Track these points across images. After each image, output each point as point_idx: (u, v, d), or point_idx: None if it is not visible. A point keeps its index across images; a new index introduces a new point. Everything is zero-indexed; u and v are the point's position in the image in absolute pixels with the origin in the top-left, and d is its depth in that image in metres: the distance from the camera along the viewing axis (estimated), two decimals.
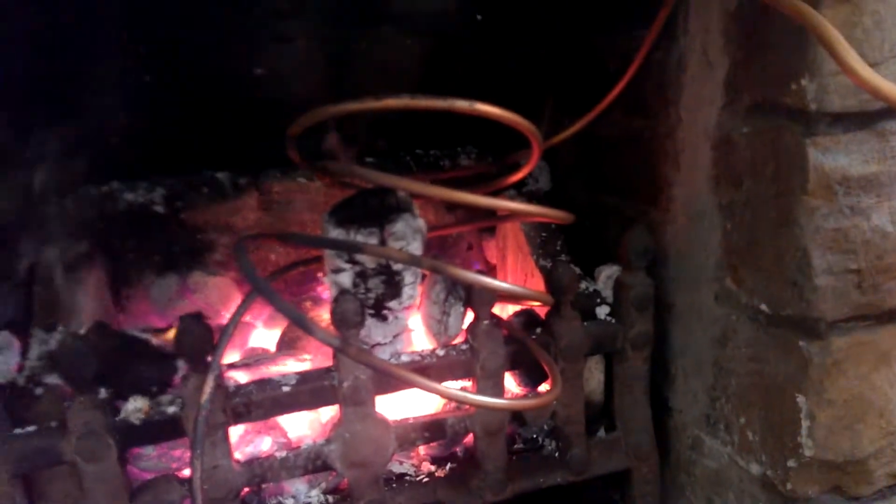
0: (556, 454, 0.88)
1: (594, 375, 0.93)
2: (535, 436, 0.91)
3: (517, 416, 0.86)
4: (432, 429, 0.83)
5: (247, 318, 1.02)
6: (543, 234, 1.03)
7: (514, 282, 1.07)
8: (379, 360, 0.73)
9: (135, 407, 0.72)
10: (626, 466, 0.90)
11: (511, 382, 0.94)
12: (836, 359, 0.72)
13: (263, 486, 0.80)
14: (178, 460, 0.79)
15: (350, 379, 0.76)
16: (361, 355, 0.69)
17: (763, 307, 0.77)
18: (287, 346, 0.91)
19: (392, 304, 0.82)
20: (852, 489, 0.77)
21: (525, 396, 0.91)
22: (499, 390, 0.83)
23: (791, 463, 0.76)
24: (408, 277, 0.81)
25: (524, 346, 0.85)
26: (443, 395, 0.72)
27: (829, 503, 0.77)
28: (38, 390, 0.74)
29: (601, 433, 0.92)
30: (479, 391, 0.82)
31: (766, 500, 0.80)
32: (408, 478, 0.84)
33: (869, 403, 0.74)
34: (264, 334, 1.03)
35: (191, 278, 0.95)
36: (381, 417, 0.79)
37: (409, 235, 0.79)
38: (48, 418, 0.72)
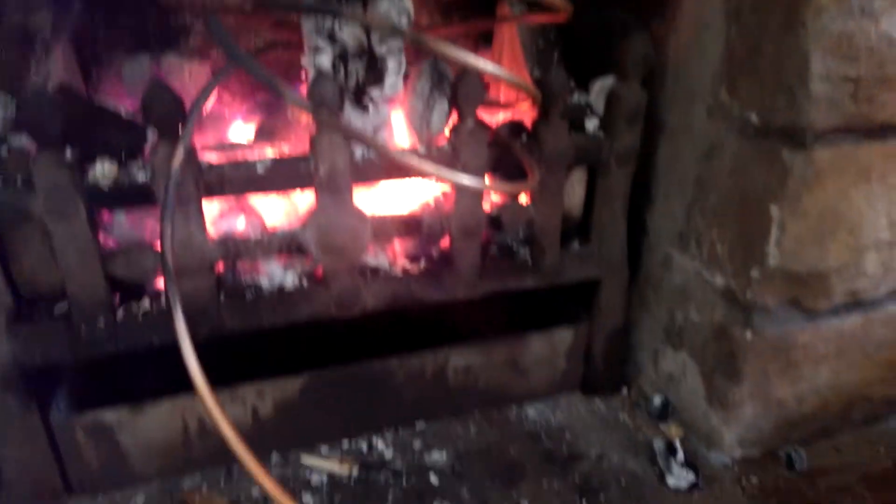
0: (530, 261, 0.90)
1: (576, 191, 0.93)
2: (510, 243, 0.91)
3: (494, 221, 0.87)
4: (408, 225, 0.83)
5: (225, 111, 0.99)
6: (540, 45, 0.98)
7: (507, 96, 1.03)
8: (351, 127, 0.71)
9: (102, 169, 0.70)
10: (597, 276, 0.93)
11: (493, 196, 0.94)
12: (817, 170, 0.72)
13: (238, 264, 0.81)
14: (153, 232, 0.79)
15: (326, 164, 0.75)
16: (334, 121, 0.66)
17: (753, 118, 0.75)
18: (265, 136, 0.89)
19: (373, 92, 0.79)
20: (810, 303, 0.79)
21: (504, 206, 0.91)
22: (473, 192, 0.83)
23: (755, 273, 0.77)
24: (391, 63, 0.77)
25: (507, 152, 0.83)
26: (420, 168, 0.71)
27: (786, 315, 0.80)
28: (3, 152, 0.72)
29: (575, 246, 0.93)
30: (459, 191, 0.82)
31: (725, 310, 0.82)
32: (382, 271, 0.86)
33: (842, 218, 0.75)
34: (243, 130, 1.00)
35: (165, 60, 0.90)
36: (357, 208, 0.79)
37: (394, 15, 0.74)
38: (14, 177, 0.71)
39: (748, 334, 0.79)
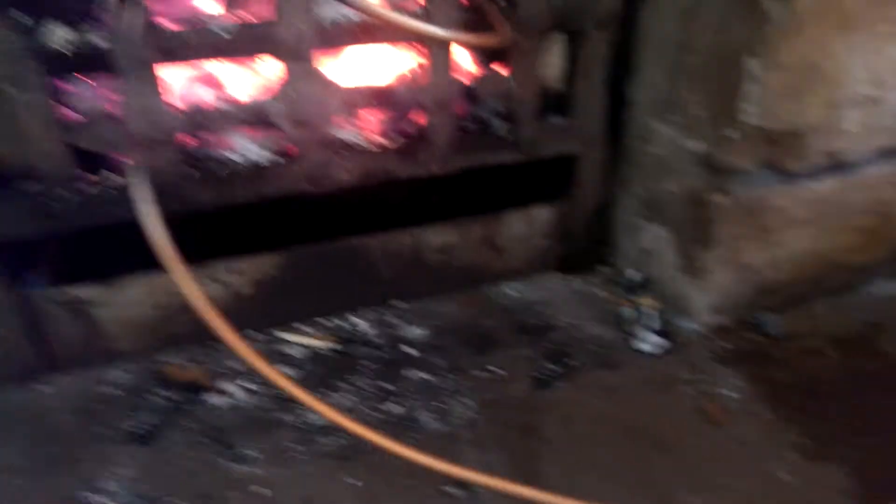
0: (507, 135, 0.88)
1: (555, 63, 0.90)
2: (486, 117, 0.90)
3: (470, 93, 0.85)
4: (380, 96, 0.82)
5: None
6: None
7: None
8: None
9: (56, 34, 0.68)
10: (575, 151, 0.91)
11: (469, 63, 0.91)
12: (797, 17, 0.69)
13: (209, 139, 0.80)
14: (114, 101, 0.77)
15: (293, 28, 0.73)
16: None
17: None
18: (235, 6, 0.86)
19: None
20: (786, 164, 0.78)
21: (480, 77, 0.88)
22: (447, 59, 0.80)
23: (731, 133, 0.76)
24: None
25: (482, 17, 0.80)
26: (386, 17, 0.69)
27: (761, 178, 0.79)
28: None
29: (553, 119, 0.91)
30: (433, 61, 0.79)
31: (701, 176, 0.81)
32: (355, 145, 0.84)
33: (821, 71, 0.72)
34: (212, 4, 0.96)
35: None
36: (325, 77, 0.77)
37: None
38: None
39: (722, 198, 0.79)
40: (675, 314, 0.90)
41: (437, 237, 0.93)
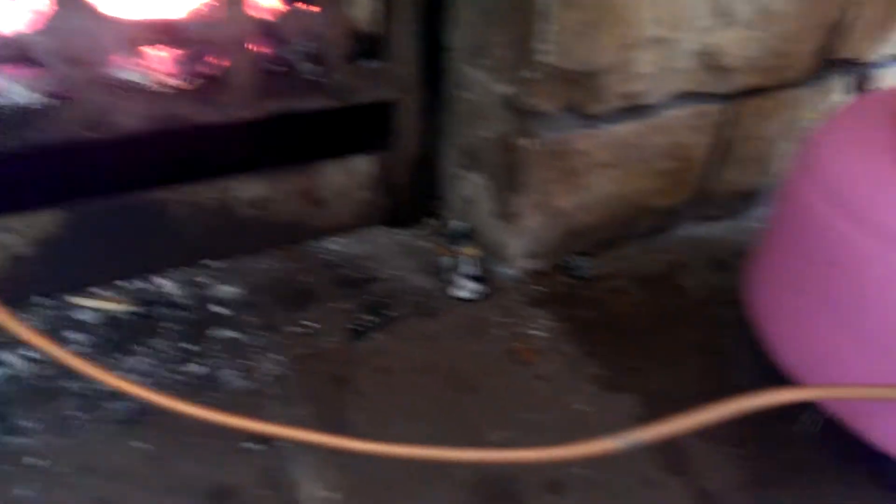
0: (317, 78, 0.84)
1: (365, 3, 0.87)
2: (293, 59, 0.85)
3: (273, 32, 0.80)
4: (168, 32, 0.75)
5: None
6: None
7: None
8: None
9: None
10: (391, 97, 0.89)
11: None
12: None
13: None
14: None
15: None
16: None
17: None
18: None
19: None
20: (586, 106, 0.79)
21: (284, 13, 0.83)
22: None
23: (530, 73, 0.75)
24: None
25: None
26: None
27: (564, 121, 0.80)
28: None
29: (367, 63, 0.88)
30: None
31: (508, 120, 0.81)
32: (140, 87, 0.77)
33: (613, 9, 0.73)
34: None
35: None
36: (99, 9, 0.69)
37: None
38: None
39: (527, 142, 0.79)
40: (494, 261, 0.90)
41: (248, 190, 0.87)
